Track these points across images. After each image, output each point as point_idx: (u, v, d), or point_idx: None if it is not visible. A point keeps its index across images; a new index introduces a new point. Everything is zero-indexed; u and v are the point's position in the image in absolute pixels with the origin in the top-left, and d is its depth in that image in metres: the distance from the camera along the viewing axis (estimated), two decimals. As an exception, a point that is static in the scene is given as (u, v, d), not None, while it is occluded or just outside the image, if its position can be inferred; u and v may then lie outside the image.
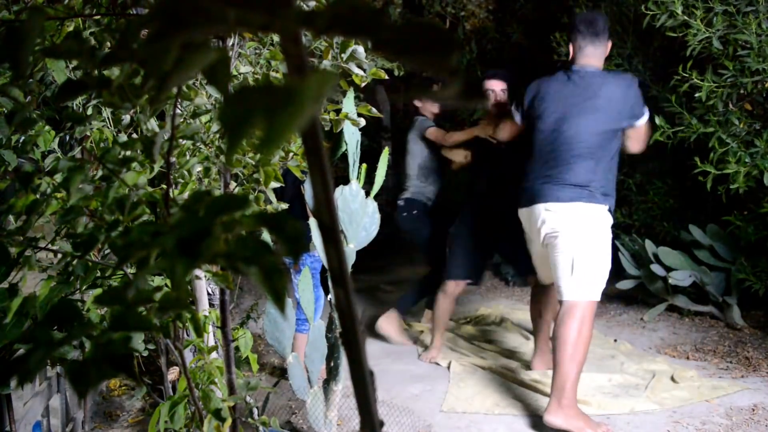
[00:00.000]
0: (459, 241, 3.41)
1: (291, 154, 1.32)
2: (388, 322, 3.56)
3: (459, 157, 3.43)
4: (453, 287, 3.35)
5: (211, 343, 1.60)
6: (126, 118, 1.19)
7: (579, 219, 2.52)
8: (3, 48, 0.39)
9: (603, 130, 2.54)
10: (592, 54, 2.63)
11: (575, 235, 2.51)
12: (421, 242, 3.69)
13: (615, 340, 3.57)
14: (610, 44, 2.69)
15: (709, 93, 3.11)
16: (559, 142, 2.59)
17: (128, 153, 0.83)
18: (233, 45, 1.21)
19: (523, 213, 2.74)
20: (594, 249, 2.52)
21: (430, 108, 3.64)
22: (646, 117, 2.61)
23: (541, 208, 2.58)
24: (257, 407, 1.44)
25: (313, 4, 1.20)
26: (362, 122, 1.45)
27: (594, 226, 2.54)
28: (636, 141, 2.65)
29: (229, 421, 1.08)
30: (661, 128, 3.37)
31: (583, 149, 2.55)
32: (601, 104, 2.54)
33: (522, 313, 4.18)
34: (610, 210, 2.58)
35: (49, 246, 0.92)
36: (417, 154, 3.62)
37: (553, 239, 2.56)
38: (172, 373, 1.85)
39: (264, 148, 0.25)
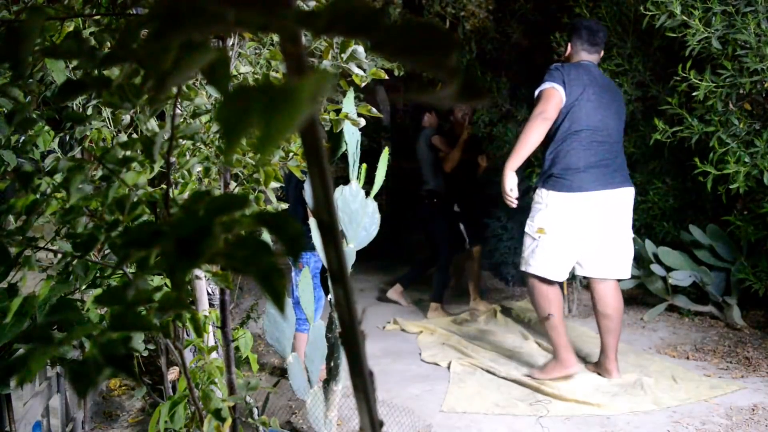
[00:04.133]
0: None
1: (291, 154, 1.32)
2: (394, 291, 4.65)
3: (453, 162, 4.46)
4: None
5: (211, 343, 1.60)
6: (126, 118, 1.19)
7: (631, 202, 2.86)
8: (3, 48, 0.39)
9: (622, 117, 2.86)
10: (588, 51, 2.83)
11: (630, 218, 2.87)
12: (433, 227, 4.53)
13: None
14: (602, 54, 2.92)
15: (708, 93, 3.11)
16: (605, 128, 2.75)
17: (128, 153, 0.83)
18: (233, 45, 1.21)
19: (578, 197, 2.74)
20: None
21: (431, 121, 4.65)
22: None
23: (616, 192, 2.78)
24: (257, 407, 1.44)
25: (313, 4, 1.21)
26: (362, 122, 1.45)
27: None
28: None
29: (229, 421, 1.08)
30: (662, 129, 3.37)
31: (619, 136, 2.84)
32: (616, 92, 2.87)
33: (522, 313, 4.18)
34: None
35: (49, 246, 0.92)
36: (425, 158, 4.55)
37: (620, 221, 2.82)
38: (172, 373, 1.84)
39: (262, 148, 0.25)
